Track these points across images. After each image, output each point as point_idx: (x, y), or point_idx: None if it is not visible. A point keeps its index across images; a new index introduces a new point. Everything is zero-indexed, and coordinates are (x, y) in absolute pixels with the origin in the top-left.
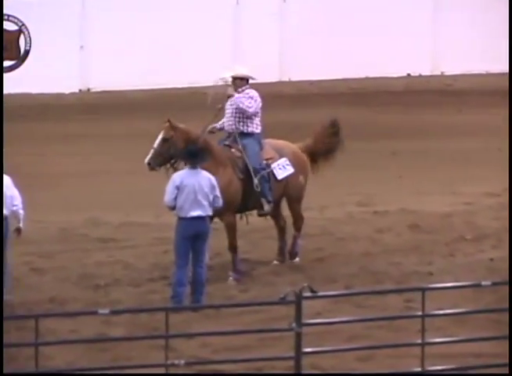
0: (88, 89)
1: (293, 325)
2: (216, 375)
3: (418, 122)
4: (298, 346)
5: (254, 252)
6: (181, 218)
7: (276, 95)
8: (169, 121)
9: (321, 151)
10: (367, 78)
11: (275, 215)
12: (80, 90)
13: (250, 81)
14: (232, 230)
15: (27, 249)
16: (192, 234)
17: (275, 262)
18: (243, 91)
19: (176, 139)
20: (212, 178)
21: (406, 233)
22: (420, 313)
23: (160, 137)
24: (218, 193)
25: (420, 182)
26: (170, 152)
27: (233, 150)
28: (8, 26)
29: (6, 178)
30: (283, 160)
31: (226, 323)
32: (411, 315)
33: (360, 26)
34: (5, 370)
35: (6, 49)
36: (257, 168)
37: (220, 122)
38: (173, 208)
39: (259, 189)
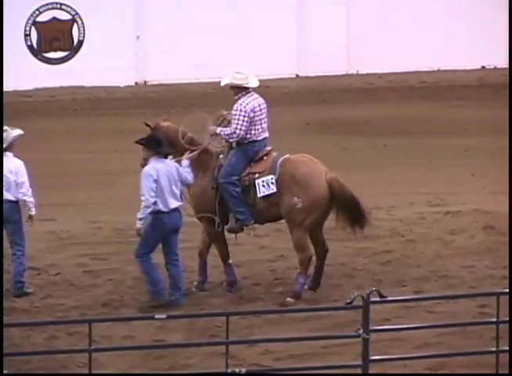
0: (145, 82)
1: (361, 331)
2: None
3: (493, 118)
4: (366, 354)
5: None
6: (161, 213)
7: (344, 89)
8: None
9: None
10: (439, 71)
11: (313, 240)
12: (136, 83)
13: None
14: (214, 240)
15: (81, 251)
16: (172, 227)
17: (288, 299)
18: (239, 98)
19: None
20: (176, 164)
21: (480, 235)
22: (494, 319)
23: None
24: (183, 176)
25: (494, 182)
26: None
27: (222, 156)
28: (61, 15)
29: (18, 163)
30: (269, 177)
31: (290, 329)
32: (485, 321)
33: (433, 16)
34: None
35: (58, 39)
36: (220, 181)
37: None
38: (153, 204)
39: (227, 204)
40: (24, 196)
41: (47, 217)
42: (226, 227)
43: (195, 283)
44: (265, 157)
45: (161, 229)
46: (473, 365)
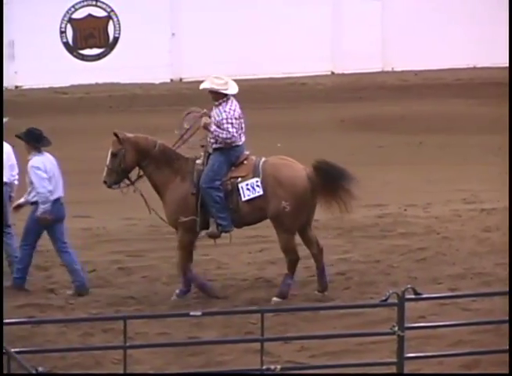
0: (180, 79)
1: (396, 329)
2: None
3: None
4: (401, 351)
5: (353, 251)
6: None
7: (379, 86)
8: (115, 133)
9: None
10: (475, 68)
11: (305, 241)
12: (171, 80)
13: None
14: (182, 248)
15: (115, 248)
16: (62, 217)
17: (316, 292)
18: (220, 104)
19: (126, 152)
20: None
21: None
22: None
23: (109, 152)
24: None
25: None
26: (122, 167)
27: (199, 161)
28: (96, 12)
29: (7, 147)
30: (254, 181)
31: (325, 327)
32: None
33: (468, 13)
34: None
35: (94, 36)
36: (203, 186)
37: None
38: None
39: (209, 209)
40: (15, 180)
41: (83, 214)
42: (207, 232)
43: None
44: (245, 161)
45: (52, 218)
46: (507, 363)
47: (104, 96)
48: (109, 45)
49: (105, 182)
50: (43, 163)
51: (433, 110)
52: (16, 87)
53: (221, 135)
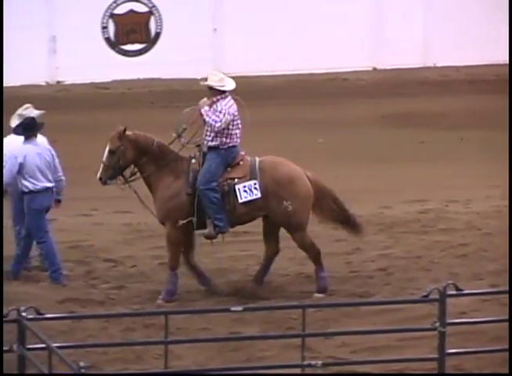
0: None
1: (437, 324)
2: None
3: None
4: (442, 347)
5: (395, 247)
6: (33, 192)
7: (420, 82)
8: (123, 130)
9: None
10: None
11: (266, 239)
12: None
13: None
14: (172, 245)
15: (156, 243)
16: (46, 206)
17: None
18: (217, 100)
19: (125, 149)
20: (50, 147)
21: None
22: None
23: (106, 149)
24: (57, 162)
25: None
26: (120, 164)
27: (194, 161)
28: (138, 7)
29: (46, 151)
30: (251, 183)
31: (366, 322)
32: None
33: (510, 8)
34: (133, 370)
35: (135, 32)
36: (201, 187)
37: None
38: (9, 185)
39: (206, 210)
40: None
41: (124, 209)
42: (204, 233)
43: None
44: (241, 162)
45: (36, 208)
46: None
47: (145, 92)
48: (150, 41)
49: (100, 178)
50: (23, 153)
51: (474, 105)
52: (58, 82)
53: (210, 118)
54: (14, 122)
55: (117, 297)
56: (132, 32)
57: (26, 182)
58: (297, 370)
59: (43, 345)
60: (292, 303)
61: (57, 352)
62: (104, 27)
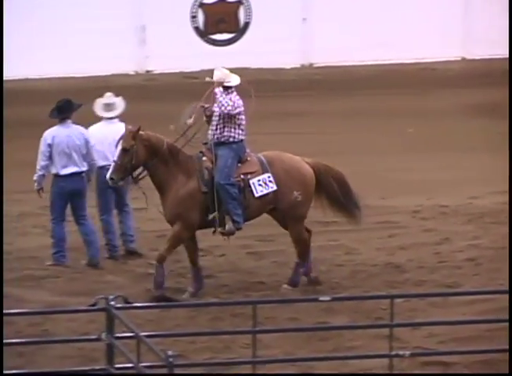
0: (311, 64)
1: None
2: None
3: None
4: None
5: (483, 237)
6: (56, 176)
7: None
8: (140, 128)
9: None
10: None
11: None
12: (301, 65)
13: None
14: (174, 242)
15: (246, 233)
16: (68, 191)
17: (284, 286)
18: (226, 94)
19: (138, 149)
20: (84, 131)
21: None
22: None
23: (119, 148)
24: (90, 146)
25: None
26: (132, 163)
27: (205, 158)
28: None
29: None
30: (265, 176)
31: (454, 312)
32: None
33: None
34: (220, 359)
35: (224, 21)
36: (221, 183)
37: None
38: (46, 167)
39: (224, 207)
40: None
41: None
42: (224, 230)
43: (190, 289)
44: (248, 158)
45: (57, 191)
46: None
47: None
48: (239, 30)
49: (112, 178)
50: (53, 136)
51: None
52: (147, 71)
53: (219, 100)
54: (99, 111)
55: (206, 286)
56: (221, 21)
57: (52, 164)
58: (385, 360)
59: (131, 334)
60: (380, 293)
61: (145, 340)
62: (193, 17)
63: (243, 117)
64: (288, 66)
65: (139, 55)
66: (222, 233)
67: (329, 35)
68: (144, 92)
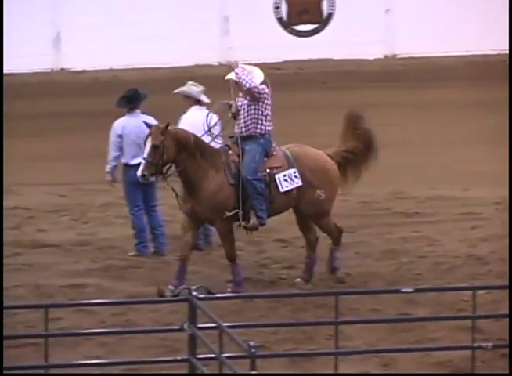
0: (394, 55)
1: None
2: None
3: None
4: None
5: None
6: (127, 166)
7: None
8: (168, 126)
9: (348, 159)
10: None
11: (303, 228)
12: (385, 56)
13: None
14: (226, 238)
15: None
16: (138, 181)
17: (297, 279)
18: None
19: (167, 144)
20: (154, 120)
21: None
22: None
23: (148, 145)
24: None
25: None
26: (163, 159)
27: (231, 152)
28: None
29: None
30: (291, 171)
31: None
32: None
33: None
34: (302, 350)
35: (308, 12)
36: (248, 178)
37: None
38: (117, 158)
39: (250, 202)
40: None
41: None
42: (247, 225)
43: (169, 287)
44: (274, 152)
45: (129, 181)
46: None
47: (317, 72)
48: (323, 21)
49: (143, 175)
50: (122, 126)
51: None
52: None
53: (247, 80)
54: (199, 95)
55: (288, 277)
56: (305, 12)
57: (122, 155)
58: (467, 352)
59: (214, 325)
60: (462, 285)
61: (227, 331)
62: (277, 7)
63: (269, 107)
64: (371, 57)
65: (223, 45)
66: (245, 228)
67: (412, 26)
68: (227, 83)
